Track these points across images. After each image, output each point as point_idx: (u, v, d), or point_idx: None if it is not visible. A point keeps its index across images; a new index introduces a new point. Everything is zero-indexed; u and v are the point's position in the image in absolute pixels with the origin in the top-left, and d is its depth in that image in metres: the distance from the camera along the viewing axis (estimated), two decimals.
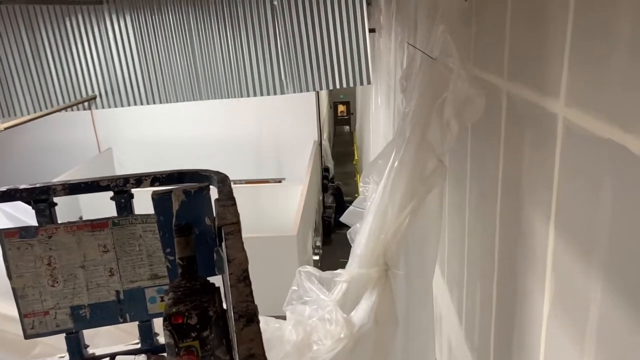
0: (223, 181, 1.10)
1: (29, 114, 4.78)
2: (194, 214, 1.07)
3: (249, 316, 0.53)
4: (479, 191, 2.29)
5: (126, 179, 1.26)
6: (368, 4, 5.92)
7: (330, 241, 7.81)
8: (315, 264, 6.39)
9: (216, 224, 0.94)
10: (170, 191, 1.06)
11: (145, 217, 1.27)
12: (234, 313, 0.55)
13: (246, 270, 0.63)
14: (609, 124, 1.04)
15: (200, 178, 1.18)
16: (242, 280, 0.61)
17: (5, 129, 3.43)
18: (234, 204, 0.92)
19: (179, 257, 0.97)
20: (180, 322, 0.85)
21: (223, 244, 0.76)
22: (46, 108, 4.85)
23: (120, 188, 1.27)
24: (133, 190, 1.34)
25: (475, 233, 2.38)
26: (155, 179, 1.26)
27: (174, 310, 0.87)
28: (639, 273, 0.91)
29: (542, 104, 1.43)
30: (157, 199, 1.07)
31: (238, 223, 0.80)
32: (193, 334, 0.87)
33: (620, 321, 0.97)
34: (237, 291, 0.58)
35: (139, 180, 1.26)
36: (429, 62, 2.27)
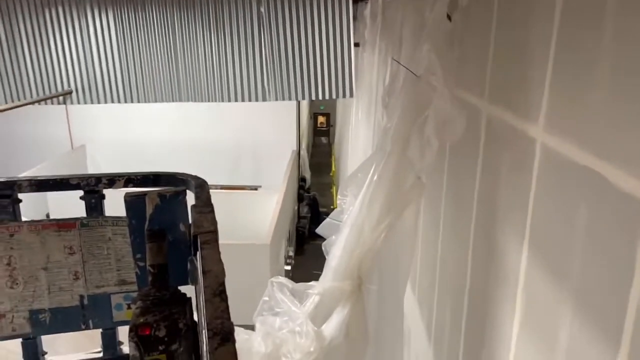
0: (201, 186, 1.07)
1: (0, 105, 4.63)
2: (169, 219, 1.02)
3: (224, 335, 0.50)
4: (454, 209, 2.30)
5: (98, 179, 1.20)
6: (354, 18, 5.96)
7: (303, 251, 7.77)
8: (287, 274, 6.34)
9: (192, 231, 0.90)
10: (144, 194, 1.02)
11: (116, 220, 1.21)
12: (207, 330, 0.51)
13: (222, 284, 0.60)
14: (586, 151, 1.05)
15: (176, 182, 1.14)
16: (217, 295, 0.57)
17: None
18: (212, 211, 0.88)
19: (149, 264, 0.93)
20: (148, 334, 0.81)
21: (198, 253, 0.72)
22: (19, 100, 4.71)
23: (92, 187, 1.21)
24: (105, 191, 1.28)
25: (448, 251, 2.38)
26: (129, 179, 1.21)
27: (141, 320, 0.83)
28: (608, 300, 0.92)
29: (521, 128, 1.44)
30: (130, 201, 1.02)
31: (215, 232, 0.77)
32: (161, 347, 0.82)
33: (588, 346, 0.97)
34: (212, 306, 0.55)
35: (112, 180, 1.21)
36: (412, 79, 2.28)
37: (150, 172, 1.21)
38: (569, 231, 1.15)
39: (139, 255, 1.05)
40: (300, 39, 4.51)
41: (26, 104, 4.50)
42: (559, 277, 1.19)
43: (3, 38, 4.66)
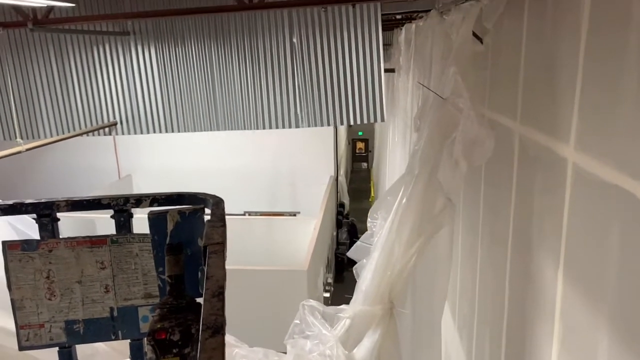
0: (217, 204, 1.13)
1: (51, 136, 4.95)
2: (188, 235, 1.09)
3: (216, 328, 0.54)
4: (491, 233, 2.27)
5: (127, 199, 1.30)
6: (388, 45, 6.04)
7: (343, 279, 7.72)
8: (326, 302, 6.30)
9: (202, 243, 0.96)
10: (166, 212, 1.09)
11: (142, 237, 1.29)
12: (202, 324, 0.56)
13: (222, 287, 0.64)
14: (617, 170, 1.04)
15: (197, 200, 1.21)
16: (216, 296, 0.62)
17: (27, 149, 3.54)
18: (224, 226, 0.94)
19: (167, 275, 0.99)
20: (164, 338, 0.86)
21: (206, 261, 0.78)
22: (69, 132, 5.02)
23: (121, 207, 1.31)
24: (137, 212, 1.37)
25: (486, 276, 2.34)
26: (155, 199, 1.29)
27: (158, 326, 0.88)
28: None
29: (553, 148, 1.44)
30: (153, 218, 1.10)
31: (223, 243, 0.82)
32: (175, 350, 0.88)
33: None
34: (209, 305, 0.60)
35: (139, 200, 1.30)
36: (439, 102, 2.30)
37: (174, 192, 1.29)
38: (603, 253, 1.13)
39: (160, 269, 1.12)
40: (331, 66, 4.64)
41: (75, 135, 4.80)
42: (596, 300, 1.17)
43: (56, 75, 5.03)
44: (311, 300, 2.75)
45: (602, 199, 1.15)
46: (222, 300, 0.62)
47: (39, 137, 4.99)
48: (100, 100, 5.10)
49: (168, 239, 1.09)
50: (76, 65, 5.01)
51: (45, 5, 3.31)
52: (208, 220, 1.05)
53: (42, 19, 3.43)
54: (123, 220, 1.33)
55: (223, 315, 0.59)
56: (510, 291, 1.94)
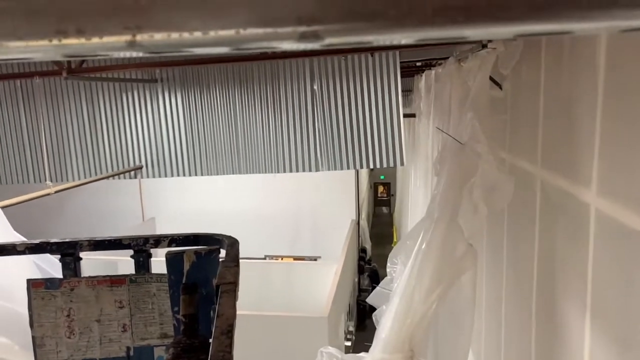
0: (232, 245, 1.15)
1: (79, 179, 5.11)
2: (203, 275, 1.11)
3: None
4: (515, 280, 2.22)
5: (146, 239, 1.33)
6: (409, 90, 6.13)
7: (365, 327, 7.52)
8: (347, 350, 6.13)
9: (215, 282, 0.98)
10: (182, 252, 1.11)
11: (160, 276, 1.32)
12: None
13: (231, 326, 0.65)
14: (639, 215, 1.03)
15: (212, 241, 1.23)
16: (225, 333, 0.63)
17: (56, 192, 3.65)
18: (237, 266, 0.95)
19: (182, 314, 1.00)
20: None
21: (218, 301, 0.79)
22: (96, 175, 5.18)
23: (140, 247, 1.34)
24: (158, 254, 1.40)
25: (511, 323, 2.27)
26: (173, 240, 1.33)
27: None
28: None
29: (574, 193, 1.42)
30: (170, 258, 1.12)
31: (235, 283, 0.84)
32: None
33: None
34: (218, 342, 0.61)
35: (158, 240, 1.33)
36: (458, 147, 2.32)
37: (191, 233, 1.32)
38: (629, 300, 1.10)
39: (176, 309, 1.13)
40: (351, 112, 4.74)
41: (102, 178, 4.94)
42: (624, 352, 1.12)
43: (87, 120, 5.25)
44: (330, 347, 2.70)
45: (625, 245, 1.13)
46: (231, 338, 0.63)
47: (68, 180, 5.15)
48: (127, 144, 5.28)
49: (184, 278, 1.11)
50: (106, 111, 5.23)
51: None
52: (222, 261, 1.07)
53: (75, 68, 3.62)
54: (142, 260, 1.36)
55: (230, 353, 0.59)
56: (537, 340, 1.88)
